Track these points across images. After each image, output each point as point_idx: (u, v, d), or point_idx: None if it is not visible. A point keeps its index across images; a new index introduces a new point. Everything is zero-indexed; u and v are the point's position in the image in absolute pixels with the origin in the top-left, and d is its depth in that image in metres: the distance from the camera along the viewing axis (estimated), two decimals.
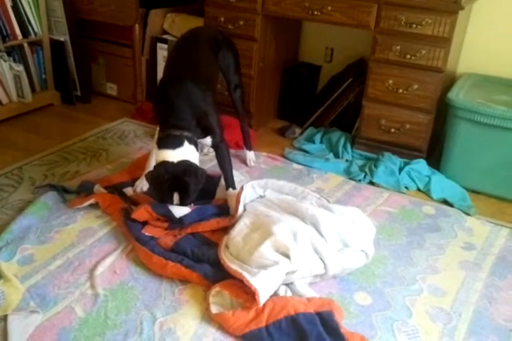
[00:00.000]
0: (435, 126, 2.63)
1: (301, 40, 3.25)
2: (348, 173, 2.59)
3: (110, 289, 1.71)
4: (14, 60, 2.99)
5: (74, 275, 1.77)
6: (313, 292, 1.70)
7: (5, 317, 1.57)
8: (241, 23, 2.78)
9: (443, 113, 2.56)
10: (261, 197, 2.12)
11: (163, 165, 1.90)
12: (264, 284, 1.59)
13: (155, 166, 1.94)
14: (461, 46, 2.73)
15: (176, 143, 1.93)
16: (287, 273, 1.68)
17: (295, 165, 2.64)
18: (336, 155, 2.75)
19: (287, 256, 1.69)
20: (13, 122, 2.96)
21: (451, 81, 2.65)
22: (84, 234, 1.98)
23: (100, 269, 1.79)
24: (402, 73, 2.52)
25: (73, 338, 1.52)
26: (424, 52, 2.43)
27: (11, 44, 2.94)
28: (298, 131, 3.01)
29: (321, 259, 1.73)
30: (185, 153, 1.93)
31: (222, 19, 2.82)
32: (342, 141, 2.79)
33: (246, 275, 1.62)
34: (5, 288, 1.66)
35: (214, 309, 1.61)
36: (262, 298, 1.56)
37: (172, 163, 1.90)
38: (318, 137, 2.89)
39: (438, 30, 2.37)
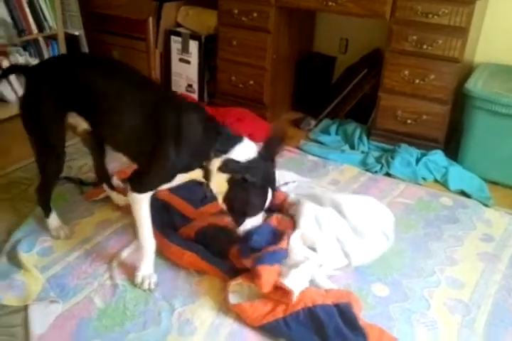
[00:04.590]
0: (452, 117, 2.60)
1: (316, 31, 3.23)
2: (364, 165, 2.57)
3: (128, 280, 1.72)
4: (30, 54, 3.01)
5: (92, 266, 1.79)
6: (331, 283, 1.69)
7: (26, 307, 1.59)
8: (255, 15, 2.77)
9: (460, 103, 2.53)
10: None
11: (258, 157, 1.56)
12: (297, 282, 1.58)
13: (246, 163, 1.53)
14: (478, 36, 2.69)
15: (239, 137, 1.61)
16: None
17: (310, 157, 2.63)
18: (352, 147, 2.74)
19: (314, 250, 1.69)
20: None
21: (468, 71, 2.61)
22: (102, 226, 2.00)
23: (118, 260, 1.81)
24: (418, 63, 2.49)
25: (93, 328, 1.54)
26: (440, 42, 2.40)
27: (27, 38, 2.96)
28: (313, 122, 3.00)
29: (343, 250, 1.73)
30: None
31: (236, 11, 2.81)
32: (358, 132, 2.78)
33: (278, 279, 1.60)
34: (25, 278, 1.69)
35: (232, 299, 1.61)
36: (296, 295, 1.56)
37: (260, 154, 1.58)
38: (333, 128, 2.87)
39: (455, 20, 2.34)
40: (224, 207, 1.62)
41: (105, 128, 1.72)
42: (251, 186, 1.52)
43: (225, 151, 1.54)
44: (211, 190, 1.63)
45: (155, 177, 1.63)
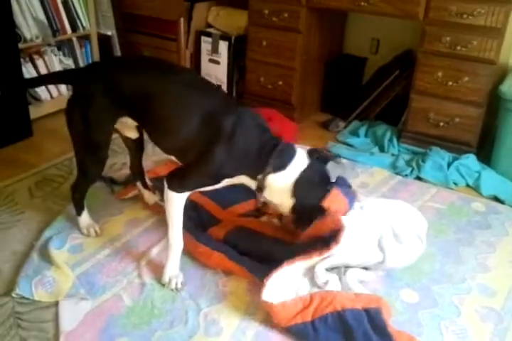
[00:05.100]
0: (486, 120, 2.54)
1: (346, 32, 3.20)
2: (394, 168, 2.53)
3: (156, 278, 1.74)
4: (64, 54, 3.07)
5: (122, 264, 1.81)
6: (362, 287, 1.67)
7: (56, 303, 1.62)
8: (285, 15, 2.76)
9: (494, 106, 2.47)
10: None
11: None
12: None
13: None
14: None
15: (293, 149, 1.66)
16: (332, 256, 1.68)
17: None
18: (382, 149, 2.70)
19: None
20: (62, 115, 3.03)
21: (503, 73, 2.55)
22: (131, 224, 2.02)
23: (147, 259, 1.83)
24: (451, 65, 2.44)
25: (121, 325, 1.56)
26: (475, 43, 2.35)
27: (61, 38, 3.02)
28: (342, 124, 2.97)
29: (380, 250, 1.73)
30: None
31: (267, 12, 2.81)
32: (388, 134, 2.74)
33: None
34: (56, 275, 1.72)
35: (266, 296, 1.56)
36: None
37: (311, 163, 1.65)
38: (362, 130, 2.84)
39: (491, 20, 2.28)
40: (290, 216, 1.70)
41: (158, 131, 1.69)
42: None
43: (283, 167, 1.59)
44: (263, 200, 1.69)
45: (197, 179, 1.63)
